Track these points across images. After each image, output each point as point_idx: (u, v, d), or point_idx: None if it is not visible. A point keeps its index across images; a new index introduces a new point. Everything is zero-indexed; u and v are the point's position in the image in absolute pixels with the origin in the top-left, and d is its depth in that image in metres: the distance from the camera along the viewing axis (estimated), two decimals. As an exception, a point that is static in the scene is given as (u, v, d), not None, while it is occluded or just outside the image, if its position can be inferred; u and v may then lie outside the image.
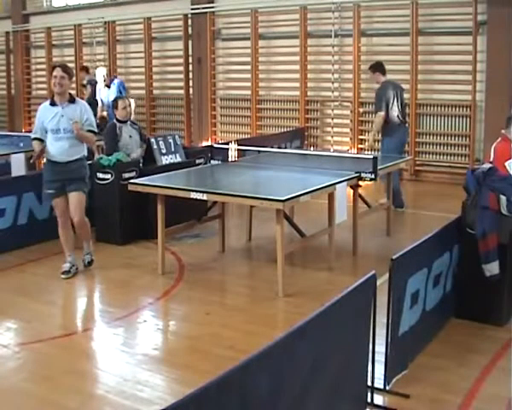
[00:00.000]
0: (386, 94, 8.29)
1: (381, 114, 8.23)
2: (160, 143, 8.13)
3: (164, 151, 8.10)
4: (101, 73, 11.26)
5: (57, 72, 5.94)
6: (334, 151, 11.01)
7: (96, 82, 11.59)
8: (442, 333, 4.83)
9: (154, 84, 14.30)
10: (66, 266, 6.19)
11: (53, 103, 6.02)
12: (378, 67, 8.55)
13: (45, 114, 6.01)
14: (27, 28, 16.62)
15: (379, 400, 3.89)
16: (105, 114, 11.15)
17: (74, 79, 10.71)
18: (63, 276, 6.13)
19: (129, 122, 7.85)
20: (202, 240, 7.44)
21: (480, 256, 4.76)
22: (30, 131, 14.03)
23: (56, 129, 5.95)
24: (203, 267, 6.60)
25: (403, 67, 11.01)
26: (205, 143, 12.66)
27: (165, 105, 14.33)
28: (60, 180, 6.03)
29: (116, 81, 11.24)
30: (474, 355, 4.50)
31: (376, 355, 3.78)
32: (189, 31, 13.59)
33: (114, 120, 7.87)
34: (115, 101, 8.14)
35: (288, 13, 12.26)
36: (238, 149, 8.61)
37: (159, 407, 3.57)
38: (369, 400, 3.81)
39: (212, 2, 13.36)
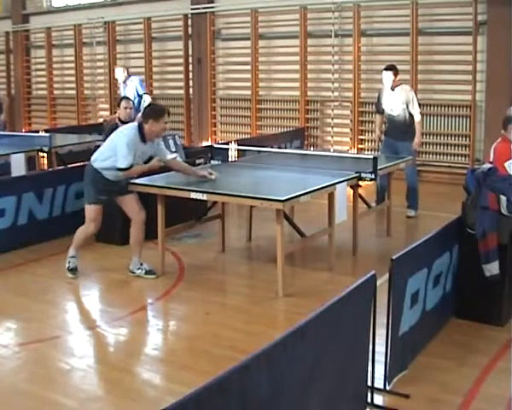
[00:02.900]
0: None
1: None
2: (160, 143, 8.11)
3: (164, 151, 8.09)
4: (120, 72, 11.07)
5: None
6: (334, 151, 11.01)
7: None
8: (442, 333, 4.83)
9: (154, 85, 14.29)
10: None
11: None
12: (397, 70, 8.31)
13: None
14: (27, 28, 16.61)
15: (379, 400, 3.89)
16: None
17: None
18: None
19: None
20: (202, 240, 7.44)
21: (480, 256, 4.76)
22: (30, 131, 14.08)
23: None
24: (203, 267, 6.60)
25: (403, 67, 10.96)
26: (205, 143, 12.66)
27: (165, 105, 14.31)
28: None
29: (133, 78, 11.01)
30: (474, 355, 4.50)
31: (376, 355, 3.79)
32: (189, 31, 13.59)
33: (117, 120, 7.86)
34: (119, 100, 8.15)
35: (288, 13, 12.25)
36: (238, 149, 8.61)
37: (159, 407, 3.57)
38: (369, 400, 3.81)
39: (212, 2, 13.35)
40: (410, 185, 8.23)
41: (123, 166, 5.86)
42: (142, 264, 6.21)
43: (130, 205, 6.20)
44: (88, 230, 6.20)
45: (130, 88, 10.35)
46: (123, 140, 5.89)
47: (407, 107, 8.13)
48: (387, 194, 7.74)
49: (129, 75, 10.60)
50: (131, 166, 5.90)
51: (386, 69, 8.27)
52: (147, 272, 6.19)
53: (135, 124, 6.16)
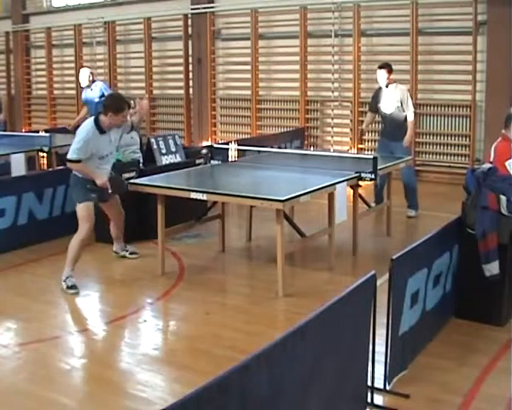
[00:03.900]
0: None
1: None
2: (160, 143, 8.13)
3: (164, 151, 8.11)
4: (85, 74, 10.91)
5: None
6: (334, 151, 11.01)
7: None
8: (442, 333, 4.83)
9: (154, 85, 14.30)
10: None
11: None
12: (391, 68, 8.33)
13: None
14: (27, 28, 16.61)
15: (379, 400, 3.89)
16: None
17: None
18: None
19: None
20: (202, 240, 7.44)
21: (480, 256, 4.76)
22: (30, 131, 14.05)
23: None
24: (203, 267, 6.60)
25: (403, 67, 11.00)
26: (205, 143, 12.66)
27: (165, 105, 14.32)
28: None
29: (97, 83, 10.89)
30: (474, 355, 4.50)
31: (376, 355, 3.79)
32: (189, 31, 13.59)
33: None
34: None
35: (288, 13, 12.25)
36: (238, 149, 8.60)
37: (159, 407, 3.57)
38: (369, 400, 3.81)
39: (212, 2, 13.35)
40: (408, 185, 8.23)
41: (70, 157, 5.88)
42: (126, 246, 6.72)
43: (114, 210, 6.51)
44: (82, 233, 5.89)
45: (95, 92, 10.27)
46: (79, 134, 5.93)
47: (401, 105, 8.15)
48: (387, 194, 7.74)
49: (94, 80, 10.51)
50: (79, 161, 5.86)
51: (379, 67, 8.32)
52: (131, 253, 6.74)
53: (91, 118, 6.05)
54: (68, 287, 5.82)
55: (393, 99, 8.19)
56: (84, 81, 10.45)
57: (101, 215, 7.33)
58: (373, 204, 7.95)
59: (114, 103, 5.95)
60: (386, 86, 8.25)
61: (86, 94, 10.37)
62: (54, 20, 15.97)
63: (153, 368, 4.45)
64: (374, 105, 8.51)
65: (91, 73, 10.57)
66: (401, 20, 11.03)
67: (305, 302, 5.42)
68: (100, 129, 5.89)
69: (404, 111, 8.16)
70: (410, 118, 8.20)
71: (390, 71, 8.26)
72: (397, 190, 7.94)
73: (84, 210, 5.95)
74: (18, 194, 7.13)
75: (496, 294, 4.88)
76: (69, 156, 5.92)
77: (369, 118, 8.74)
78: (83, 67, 11.77)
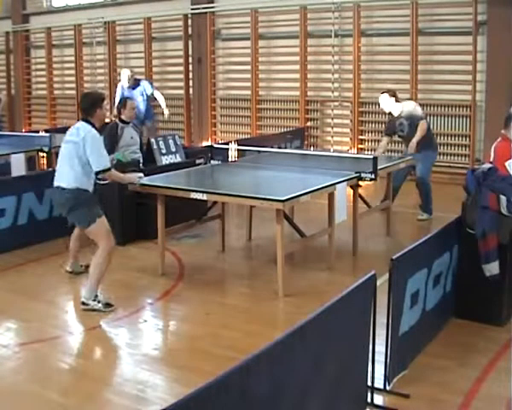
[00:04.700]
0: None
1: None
2: (160, 143, 8.14)
3: (164, 151, 8.11)
4: (125, 75, 11.06)
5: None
6: (334, 151, 11.01)
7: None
8: (442, 333, 4.83)
9: (154, 85, 14.24)
10: None
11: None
12: (394, 94, 8.29)
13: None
14: (27, 28, 16.62)
15: (379, 400, 3.89)
16: None
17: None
18: None
19: (131, 124, 7.85)
20: (202, 240, 7.44)
21: (480, 256, 4.76)
22: (30, 131, 14.06)
23: None
24: (203, 267, 6.60)
25: (403, 67, 11.01)
26: (205, 143, 12.66)
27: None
28: None
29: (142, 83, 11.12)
30: (474, 355, 4.50)
31: (376, 355, 3.79)
32: (189, 31, 13.59)
33: (117, 120, 7.85)
34: (124, 100, 8.02)
35: (288, 13, 12.25)
36: (238, 149, 8.61)
37: (159, 407, 3.57)
38: (369, 400, 3.81)
39: (212, 2, 13.35)
40: (421, 186, 8.22)
41: (106, 165, 5.48)
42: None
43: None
44: (108, 248, 5.43)
45: (138, 91, 10.46)
46: (98, 141, 5.47)
47: (413, 121, 8.04)
48: (387, 194, 7.73)
49: (137, 80, 10.79)
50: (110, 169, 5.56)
51: (382, 93, 8.32)
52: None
53: (86, 125, 5.50)
54: (105, 305, 5.42)
55: (403, 120, 8.13)
56: (124, 82, 10.69)
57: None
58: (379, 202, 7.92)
59: (92, 99, 5.66)
60: (395, 111, 8.20)
61: (127, 93, 10.51)
62: (54, 20, 15.98)
63: (153, 368, 4.44)
64: (390, 129, 8.43)
65: (132, 74, 10.81)
66: (401, 20, 11.03)
67: (305, 302, 5.42)
68: (99, 131, 5.66)
69: (416, 126, 8.03)
70: (421, 128, 8.01)
71: (392, 95, 8.22)
72: (404, 191, 7.95)
73: (103, 226, 5.46)
74: (18, 194, 7.13)
75: (496, 294, 4.88)
76: (105, 166, 5.43)
77: (385, 142, 8.57)
78: (124, 68, 11.99)
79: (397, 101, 8.21)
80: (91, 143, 5.38)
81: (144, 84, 11.04)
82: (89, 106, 5.55)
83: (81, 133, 5.43)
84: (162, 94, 11.46)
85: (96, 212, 5.49)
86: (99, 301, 5.42)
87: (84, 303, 5.44)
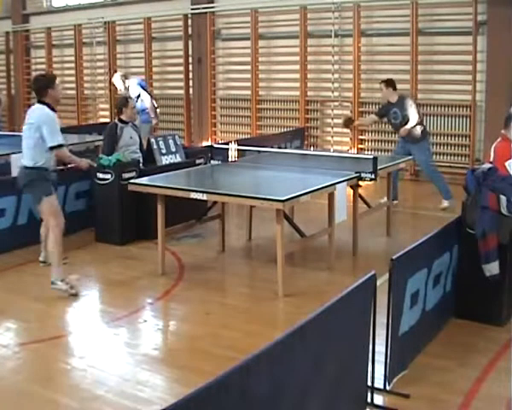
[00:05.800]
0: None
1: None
2: (160, 143, 8.13)
3: (164, 151, 8.11)
4: (118, 80, 10.95)
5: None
6: (334, 151, 11.01)
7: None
8: (442, 333, 4.83)
9: (154, 85, 14.28)
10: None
11: None
12: (391, 83, 8.68)
13: None
14: (27, 28, 16.62)
15: (379, 400, 3.89)
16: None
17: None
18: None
19: (130, 124, 7.85)
20: (202, 240, 7.44)
21: (480, 256, 4.76)
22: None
23: None
24: (203, 267, 6.60)
25: (403, 67, 11.01)
26: (205, 143, 12.66)
27: (165, 105, 14.31)
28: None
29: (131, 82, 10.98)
30: (474, 355, 4.50)
31: (376, 355, 3.79)
32: (189, 31, 13.59)
33: (116, 120, 7.85)
34: (126, 100, 7.97)
35: (288, 13, 12.25)
36: (238, 149, 8.60)
37: (159, 407, 3.58)
38: (369, 400, 3.81)
39: (212, 2, 13.35)
40: (431, 180, 8.76)
41: (58, 142, 5.66)
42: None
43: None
44: (59, 227, 5.71)
45: (133, 91, 10.39)
46: (49, 117, 5.64)
47: (406, 114, 8.46)
48: (387, 194, 7.73)
49: (126, 79, 10.64)
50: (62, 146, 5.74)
51: (382, 82, 8.79)
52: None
53: (41, 106, 5.72)
54: (71, 289, 5.73)
55: (398, 111, 8.53)
56: (119, 86, 10.64)
57: (102, 215, 7.34)
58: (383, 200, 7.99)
59: (43, 81, 5.79)
60: (391, 100, 8.62)
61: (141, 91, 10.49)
62: (54, 20, 15.98)
63: (153, 368, 4.45)
64: (381, 112, 8.94)
65: (123, 75, 10.74)
66: (401, 20, 11.03)
67: (305, 302, 5.42)
68: (54, 110, 5.76)
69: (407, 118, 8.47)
70: (410, 125, 8.44)
71: (388, 85, 8.65)
72: (400, 190, 7.94)
73: (54, 204, 5.78)
74: (18, 194, 7.12)
75: (496, 294, 4.88)
76: (58, 142, 5.66)
77: (372, 118, 9.08)
78: (116, 71, 11.91)
79: (394, 89, 8.63)
80: (45, 121, 5.66)
81: (136, 84, 10.79)
82: (41, 88, 5.75)
83: (36, 114, 5.73)
84: (162, 94, 11.40)
85: (45, 190, 5.73)
86: (67, 283, 5.73)
87: (53, 283, 5.76)
